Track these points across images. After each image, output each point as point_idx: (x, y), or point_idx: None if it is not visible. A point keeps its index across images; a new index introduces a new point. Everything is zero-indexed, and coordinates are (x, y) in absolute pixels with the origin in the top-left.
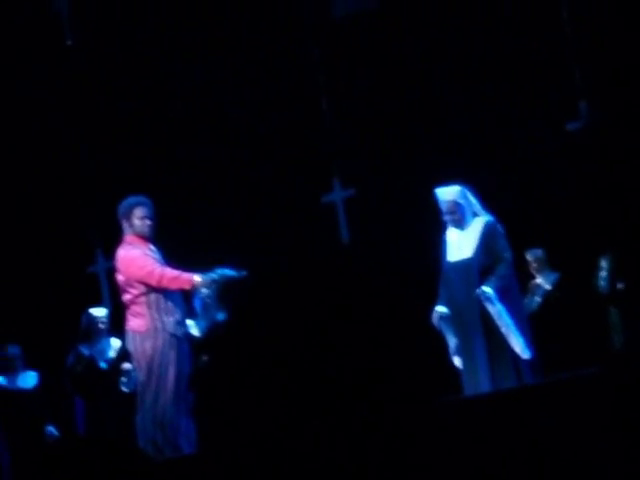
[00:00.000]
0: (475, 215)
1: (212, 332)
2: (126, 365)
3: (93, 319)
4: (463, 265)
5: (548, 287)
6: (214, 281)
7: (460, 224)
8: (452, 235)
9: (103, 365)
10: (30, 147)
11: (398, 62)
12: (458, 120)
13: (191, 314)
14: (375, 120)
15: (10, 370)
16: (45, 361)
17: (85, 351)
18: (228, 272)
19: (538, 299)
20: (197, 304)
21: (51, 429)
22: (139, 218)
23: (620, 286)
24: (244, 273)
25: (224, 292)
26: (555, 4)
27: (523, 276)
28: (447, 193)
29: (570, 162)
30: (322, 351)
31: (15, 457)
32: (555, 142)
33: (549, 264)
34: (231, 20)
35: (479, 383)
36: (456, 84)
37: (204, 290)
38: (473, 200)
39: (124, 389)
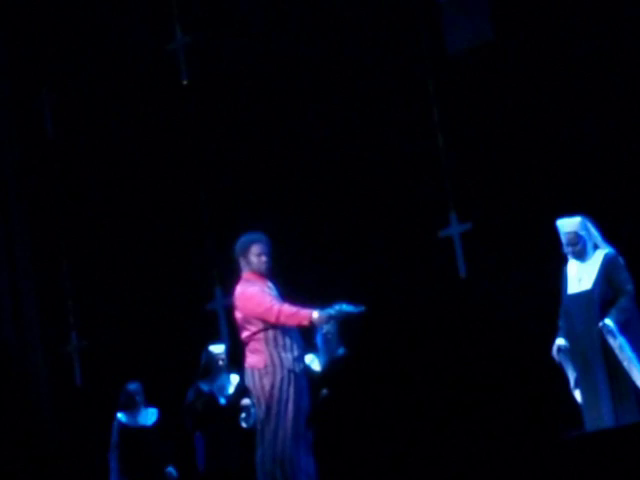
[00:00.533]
0: (596, 247)
1: (332, 367)
2: (245, 401)
3: (212, 356)
4: (583, 297)
5: None
6: (332, 317)
7: (581, 256)
8: (572, 267)
9: (223, 401)
10: (151, 185)
11: (514, 95)
12: (577, 150)
13: (312, 349)
14: (491, 153)
15: (131, 407)
16: (165, 398)
17: (205, 387)
18: (346, 307)
19: None
20: (319, 339)
21: (171, 469)
22: (256, 255)
23: None
24: (362, 308)
25: (342, 327)
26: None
27: None
28: (568, 224)
29: None
30: (442, 386)
31: None
32: None
33: None
34: (344, 55)
35: (601, 418)
36: (575, 114)
37: (326, 325)
38: (594, 231)
39: (244, 425)
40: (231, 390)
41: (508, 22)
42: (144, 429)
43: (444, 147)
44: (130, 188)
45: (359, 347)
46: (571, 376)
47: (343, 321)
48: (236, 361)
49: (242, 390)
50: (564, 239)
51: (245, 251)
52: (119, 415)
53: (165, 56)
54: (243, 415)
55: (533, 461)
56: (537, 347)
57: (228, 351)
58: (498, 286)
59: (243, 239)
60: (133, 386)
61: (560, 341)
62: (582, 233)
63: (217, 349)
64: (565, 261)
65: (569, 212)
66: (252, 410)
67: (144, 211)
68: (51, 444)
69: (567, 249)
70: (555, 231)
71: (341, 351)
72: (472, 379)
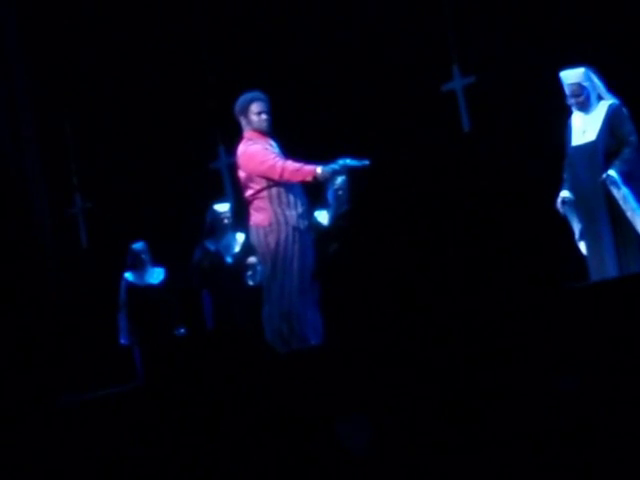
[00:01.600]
0: (600, 98)
1: (339, 222)
2: (251, 259)
3: (217, 215)
4: (587, 149)
5: None
6: (336, 172)
7: (585, 107)
8: (576, 119)
9: (229, 259)
10: (153, 44)
11: None
12: (581, 2)
13: (322, 204)
14: (494, 4)
15: (138, 266)
16: (171, 257)
17: (211, 246)
18: (350, 162)
19: None
20: (330, 195)
21: (182, 330)
22: (256, 114)
23: None
24: (366, 162)
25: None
26: None
27: None
28: (571, 76)
29: None
30: (447, 242)
31: (145, 351)
32: None
33: None
34: None
35: (605, 268)
36: None
37: (337, 180)
38: (598, 82)
39: (250, 282)
40: (237, 248)
41: None
42: (152, 287)
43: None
44: (133, 46)
45: (365, 202)
46: (576, 228)
47: (348, 176)
48: (241, 219)
49: (248, 248)
50: (567, 90)
51: (245, 110)
52: (126, 274)
53: None
54: (249, 273)
55: (538, 311)
56: (542, 200)
57: (233, 209)
58: (502, 140)
59: (242, 98)
60: (139, 245)
61: (564, 193)
62: (586, 84)
63: (222, 208)
64: (569, 113)
65: (573, 63)
66: (258, 267)
67: (147, 70)
68: (59, 307)
69: (571, 100)
70: (559, 83)
71: (345, 207)
72: (477, 234)
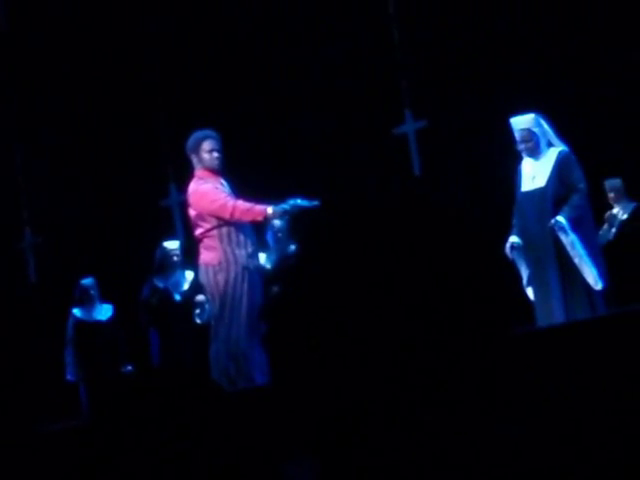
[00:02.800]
0: (550, 145)
1: (282, 263)
2: (199, 297)
3: (167, 252)
4: (537, 194)
5: (625, 217)
6: (286, 212)
7: (534, 153)
8: (526, 165)
9: (177, 297)
10: (106, 79)
11: None
12: (535, 48)
13: (263, 247)
14: (447, 50)
15: (86, 302)
16: (119, 294)
17: (160, 283)
18: (300, 202)
19: (614, 229)
20: (269, 237)
21: (128, 368)
22: (207, 152)
23: None
24: (316, 203)
25: (296, 223)
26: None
27: (601, 206)
28: (521, 121)
29: None
30: (394, 282)
31: (91, 388)
32: (634, 73)
33: (627, 194)
34: None
35: (552, 314)
36: (534, 12)
37: (277, 223)
38: (548, 128)
39: (198, 321)
40: (186, 286)
41: None
42: (99, 324)
43: (400, 42)
44: (85, 81)
45: (311, 243)
46: (524, 273)
47: (296, 216)
48: (190, 257)
49: (197, 286)
50: (517, 136)
51: (197, 148)
52: (74, 310)
53: None
54: (197, 311)
55: (485, 357)
56: (490, 244)
57: (182, 247)
58: (453, 184)
59: (194, 136)
60: (87, 281)
61: (513, 238)
62: (535, 130)
63: (171, 245)
64: (520, 159)
65: (524, 109)
66: (206, 306)
67: (99, 106)
68: (6, 341)
69: (521, 146)
70: (509, 129)
71: (292, 248)
72: (424, 276)
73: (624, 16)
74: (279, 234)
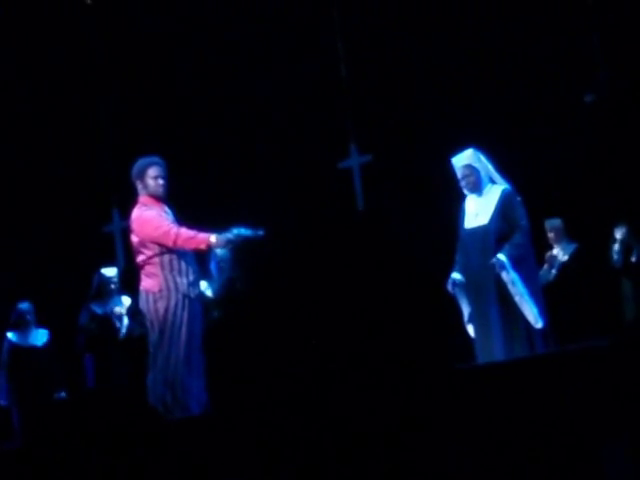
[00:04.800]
0: (492, 182)
1: (224, 290)
2: (117, 309)
3: (105, 279)
4: (479, 232)
5: (565, 258)
6: (230, 241)
7: (476, 189)
8: (470, 203)
9: (116, 324)
10: (47, 107)
11: (418, 26)
12: (478, 87)
13: (205, 275)
14: (392, 86)
15: (21, 326)
16: (56, 319)
17: (98, 310)
18: (244, 231)
19: (554, 270)
20: (213, 267)
21: (62, 394)
22: (152, 178)
23: (633, 259)
24: (260, 233)
25: (239, 252)
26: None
27: (541, 246)
28: (461, 158)
29: (588, 133)
30: (335, 313)
31: (24, 413)
32: (573, 112)
33: (567, 234)
34: None
35: (492, 351)
36: (478, 50)
37: (219, 252)
38: (488, 164)
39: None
40: (123, 312)
41: None
42: (34, 349)
43: (346, 77)
44: (27, 104)
45: (254, 271)
46: (465, 310)
47: (240, 245)
48: (131, 284)
49: (134, 312)
50: (459, 174)
51: (142, 174)
52: (9, 334)
53: None
54: (117, 323)
55: (424, 392)
56: (432, 280)
57: (121, 274)
58: (396, 218)
59: (140, 162)
60: (24, 305)
61: (455, 275)
62: (476, 165)
63: (109, 272)
64: (463, 197)
65: (465, 146)
66: (124, 319)
67: (42, 129)
68: None
69: (462, 182)
70: (452, 168)
71: (234, 276)
72: (366, 310)
73: (566, 56)
74: (221, 263)
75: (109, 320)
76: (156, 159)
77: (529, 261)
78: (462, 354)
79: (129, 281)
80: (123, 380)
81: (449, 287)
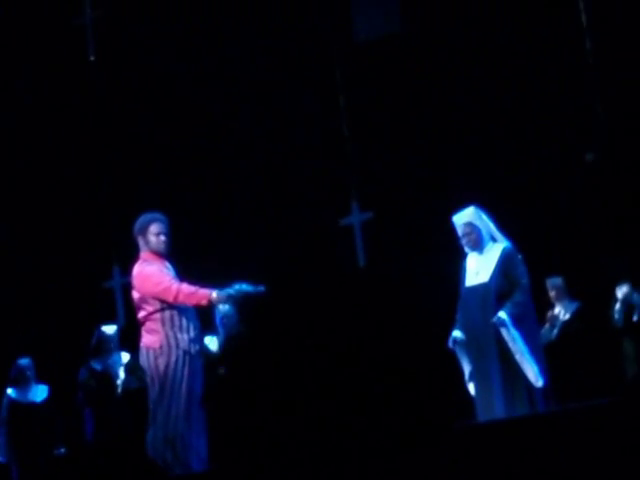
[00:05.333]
0: (494, 240)
1: (228, 346)
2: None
3: (104, 336)
4: (480, 290)
5: (566, 317)
6: (231, 296)
7: (477, 247)
8: (471, 261)
9: (116, 380)
10: (50, 161)
11: (418, 86)
12: (479, 146)
13: (211, 330)
14: (394, 144)
15: (21, 382)
16: (56, 375)
17: (97, 366)
18: (246, 287)
19: (556, 330)
20: (218, 321)
21: (61, 450)
22: (154, 235)
23: (635, 318)
24: (262, 289)
25: (241, 308)
26: (579, 34)
27: (542, 304)
28: (462, 216)
29: (589, 191)
30: (337, 370)
31: (23, 470)
32: (574, 171)
33: (569, 293)
34: (253, 42)
35: (493, 410)
36: (478, 110)
37: (222, 308)
38: (489, 222)
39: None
40: (121, 369)
41: (416, 14)
42: (34, 405)
43: (349, 136)
44: (31, 161)
45: (255, 328)
46: (466, 369)
47: (241, 301)
48: (132, 340)
49: (131, 368)
50: (460, 231)
51: (144, 230)
52: (9, 391)
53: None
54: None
55: (424, 450)
56: (433, 338)
57: (120, 331)
58: (397, 276)
59: (142, 218)
60: (24, 361)
61: (456, 333)
62: (476, 223)
63: (109, 330)
64: (464, 255)
65: (467, 204)
66: (121, 375)
67: (45, 186)
68: None
69: (463, 240)
70: (453, 227)
71: (238, 332)
72: (368, 366)
73: (567, 115)
74: (224, 319)
75: (108, 376)
76: (158, 215)
77: (530, 319)
78: (463, 412)
79: (128, 338)
80: (122, 436)
81: (450, 345)
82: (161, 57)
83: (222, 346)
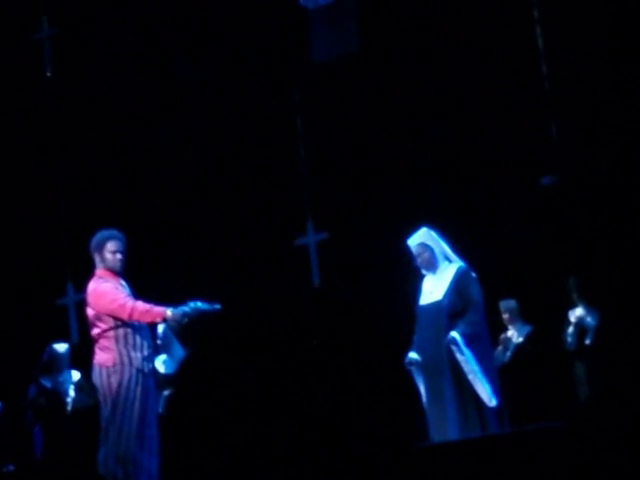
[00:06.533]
0: (448, 260)
1: (179, 367)
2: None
3: (56, 354)
4: (433, 308)
5: (519, 340)
6: (186, 314)
7: (431, 267)
8: (427, 282)
9: (65, 398)
10: (5, 177)
11: (375, 108)
12: (434, 167)
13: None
14: (350, 166)
15: None
16: (7, 393)
17: (47, 384)
18: (201, 305)
19: (509, 353)
20: (159, 339)
21: (10, 467)
22: (111, 252)
23: (587, 341)
24: (217, 307)
25: (195, 325)
26: (535, 59)
27: (496, 327)
28: (415, 238)
29: (545, 215)
30: (289, 392)
31: None
32: (530, 195)
33: (522, 315)
34: (210, 63)
35: (446, 430)
36: (434, 132)
37: (160, 329)
38: (442, 242)
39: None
40: (71, 387)
41: (374, 35)
42: None
43: (305, 157)
44: None
45: (209, 346)
46: (423, 389)
47: (196, 319)
48: (85, 358)
49: (81, 385)
50: (414, 252)
51: (100, 247)
52: None
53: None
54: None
55: (382, 472)
56: (389, 358)
57: (73, 349)
58: (351, 295)
59: (99, 235)
60: None
61: (412, 354)
62: (429, 243)
63: (60, 347)
64: (422, 277)
65: (422, 224)
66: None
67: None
68: None
69: (417, 261)
70: (409, 251)
71: (181, 352)
72: (323, 387)
73: (523, 139)
74: (158, 341)
75: (58, 394)
76: (116, 233)
77: (483, 339)
78: (422, 433)
79: (81, 355)
80: (72, 453)
81: (406, 365)
82: (118, 72)
83: (173, 368)
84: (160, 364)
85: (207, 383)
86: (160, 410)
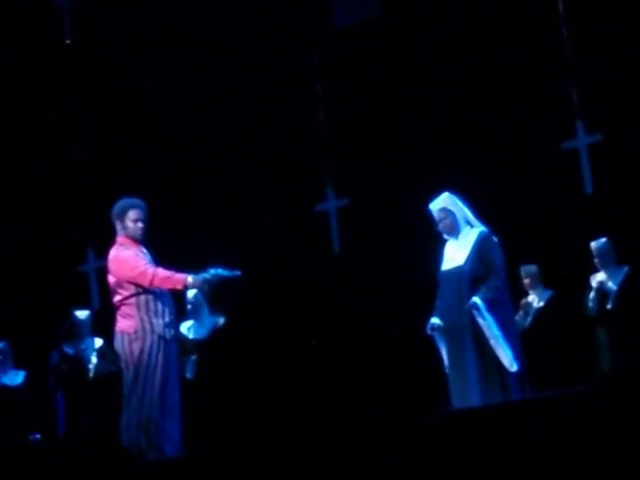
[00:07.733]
0: (470, 225)
1: (209, 335)
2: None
3: (77, 321)
4: (455, 273)
5: (540, 305)
6: (207, 281)
7: (453, 232)
8: (449, 247)
9: (88, 365)
10: (25, 145)
11: (396, 73)
12: (455, 133)
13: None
14: (371, 130)
15: None
16: (32, 360)
17: (69, 351)
18: (221, 272)
19: (529, 318)
20: (189, 303)
21: (37, 436)
22: (132, 221)
23: (608, 306)
24: (238, 273)
25: (217, 292)
26: (556, 23)
27: (517, 292)
28: (437, 203)
29: (567, 179)
30: (312, 357)
31: None
32: (551, 159)
33: (542, 281)
34: (230, 27)
35: (468, 396)
36: (455, 96)
37: (189, 294)
38: (464, 207)
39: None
40: (94, 354)
41: (395, 0)
42: (8, 389)
43: (324, 121)
44: (6, 143)
45: (235, 315)
46: (445, 355)
47: (217, 286)
48: (106, 325)
49: (104, 353)
50: (436, 217)
51: (122, 215)
52: None
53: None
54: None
55: (401, 438)
56: (410, 324)
57: (94, 316)
58: (372, 262)
59: (121, 203)
60: (0, 345)
61: (434, 320)
62: (451, 208)
63: (82, 314)
64: (444, 242)
65: (444, 189)
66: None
67: (20, 169)
68: None
69: (439, 226)
70: (430, 215)
71: (221, 320)
72: (345, 354)
73: (543, 101)
74: (189, 306)
75: (80, 361)
76: (138, 202)
77: (505, 303)
78: (443, 399)
79: (102, 322)
80: (94, 420)
81: (428, 331)
82: (137, 40)
83: (203, 335)
84: (186, 329)
85: (233, 350)
86: (188, 375)
